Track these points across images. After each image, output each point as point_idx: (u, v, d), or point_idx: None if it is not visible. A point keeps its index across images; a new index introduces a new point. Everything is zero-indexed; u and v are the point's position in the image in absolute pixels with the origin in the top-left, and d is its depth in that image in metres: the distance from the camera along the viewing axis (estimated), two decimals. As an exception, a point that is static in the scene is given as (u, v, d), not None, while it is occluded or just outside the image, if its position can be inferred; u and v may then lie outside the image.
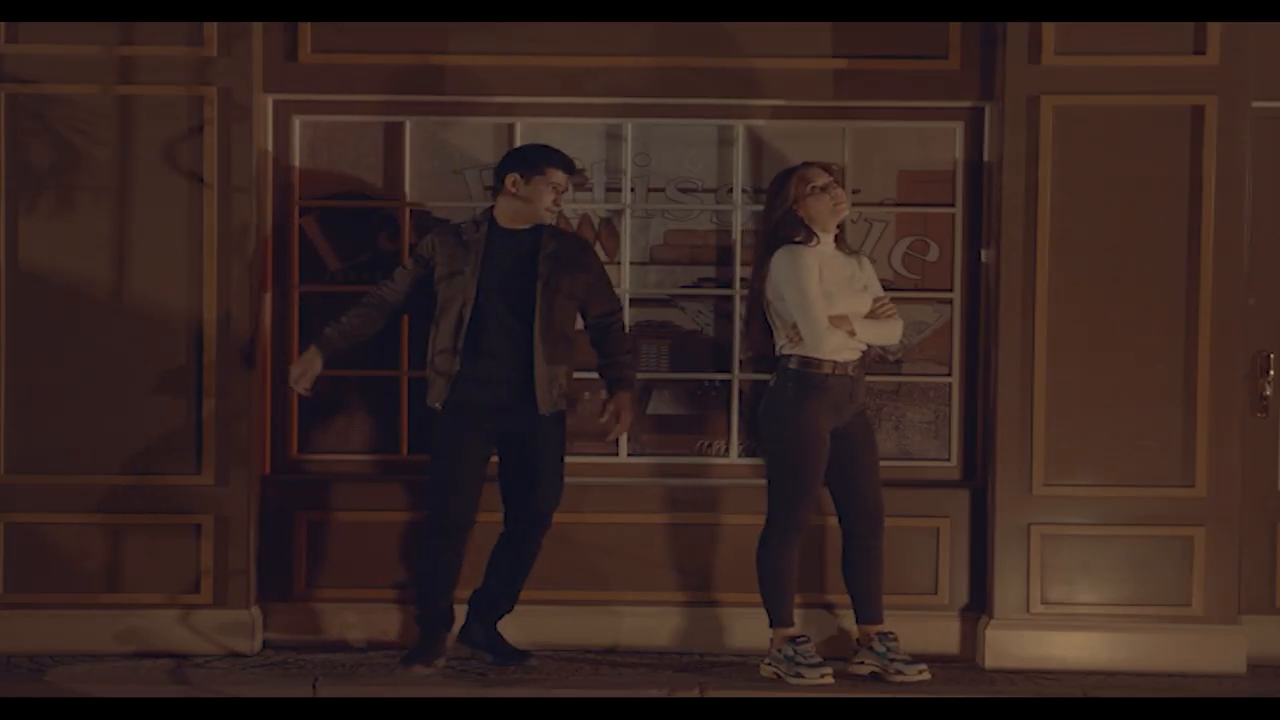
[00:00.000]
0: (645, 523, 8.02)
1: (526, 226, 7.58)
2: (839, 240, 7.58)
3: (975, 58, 7.97)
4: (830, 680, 7.43)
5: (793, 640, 7.48)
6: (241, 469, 7.90)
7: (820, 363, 7.44)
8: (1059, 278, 7.84)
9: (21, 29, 7.84)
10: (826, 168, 7.55)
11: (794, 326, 7.45)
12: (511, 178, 7.53)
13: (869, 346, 7.61)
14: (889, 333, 7.60)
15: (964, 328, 8.10)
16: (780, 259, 7.45)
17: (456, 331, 7.49)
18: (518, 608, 7.89)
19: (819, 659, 7.48)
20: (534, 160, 7.55)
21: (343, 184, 8.15)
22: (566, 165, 7.58)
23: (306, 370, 7.59)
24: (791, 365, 7.46)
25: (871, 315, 7.53)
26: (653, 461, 8.15)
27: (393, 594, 8.05)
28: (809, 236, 7.47)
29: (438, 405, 7.54)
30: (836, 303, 7.44)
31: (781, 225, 7.49)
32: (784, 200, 7.49)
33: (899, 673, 7.53)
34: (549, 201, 7.55)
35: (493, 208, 7.60)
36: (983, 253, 8.03)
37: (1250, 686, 7.67)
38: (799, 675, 7.45)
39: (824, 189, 7.47)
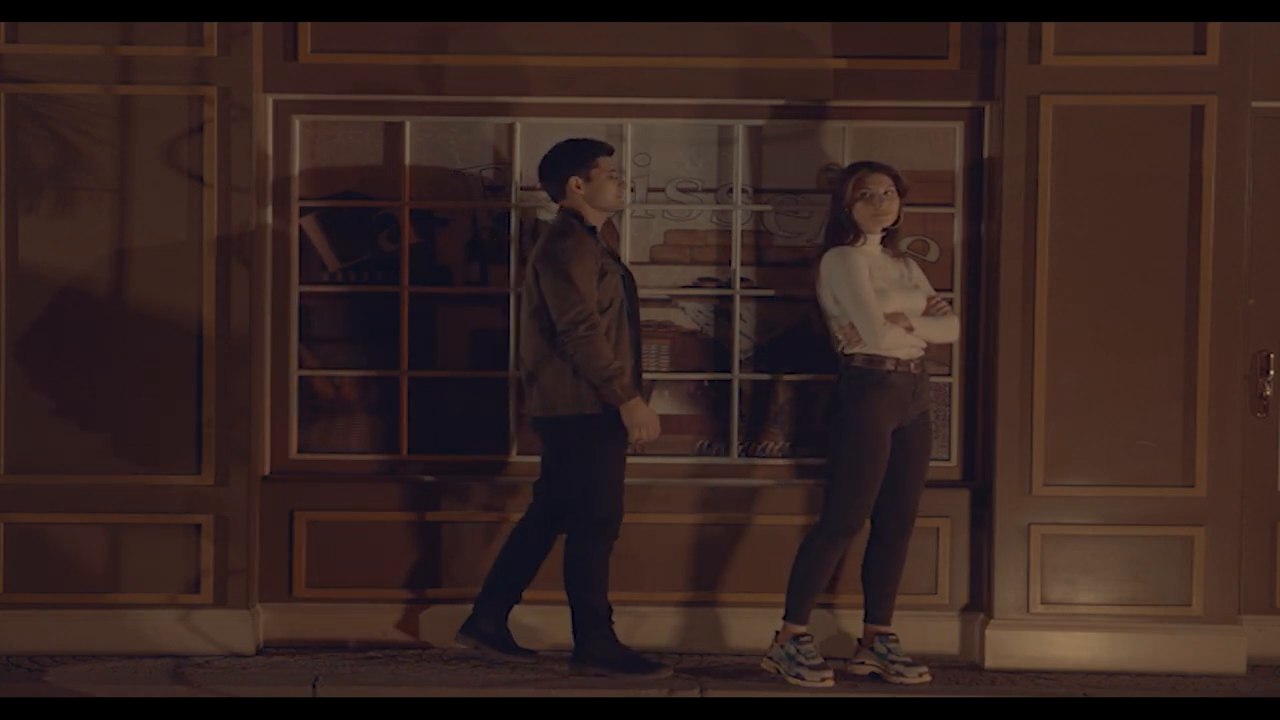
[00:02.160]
0: (645, 523, 8.00)
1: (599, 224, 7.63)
2: (887, 242, 7.58)
3: (975, 58, 7.97)
4: (830, 683, 7.42)
5: (797, 638, 7.48)
6: (241, 469, 7.90)
7: (883, 359, 7.44)
8: (1059, 278, 7.84)
9: (21, 29, 7.84)
10: (894, 175, 7.55)
11: (851, 326, 7.47)
12: (575, 181, 7.50)
13: (927, 344, 7.60)
14: (947, 330, 7.61)
15: (964, 328, 8.09)
16: (829, 262, 7.47)
17: (628, 335, 7.49)
18: (519, 608, 7.91)
19: (820, 660, 7.48)
20: (580, 157, 7.53)
21: (343, 184, 8.15)
22: (607, 149, 7.59)
23: (651, 418, 7.46)
24: (855, 364, 7.47)
25: (927, 313, 7.55)
26: (653, 462, 8.14)
27: (393, 594, 8.05)
28: (856, 237, 7.49)
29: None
30: (890, 301, 7.46)
31: (834, 226, 7.53)
32: (840, 199, 7.51)
33: (899, 674, 7.53)
34: (615, 188, 7.55)
35: (572, 213, 7.52)
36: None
37: (1250, 686, 7.68)
38: (799, 676, 7.44)
39: (870, 198, 7.48)
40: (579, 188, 7.51)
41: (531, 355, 7.51)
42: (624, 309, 7.49)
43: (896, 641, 7.59)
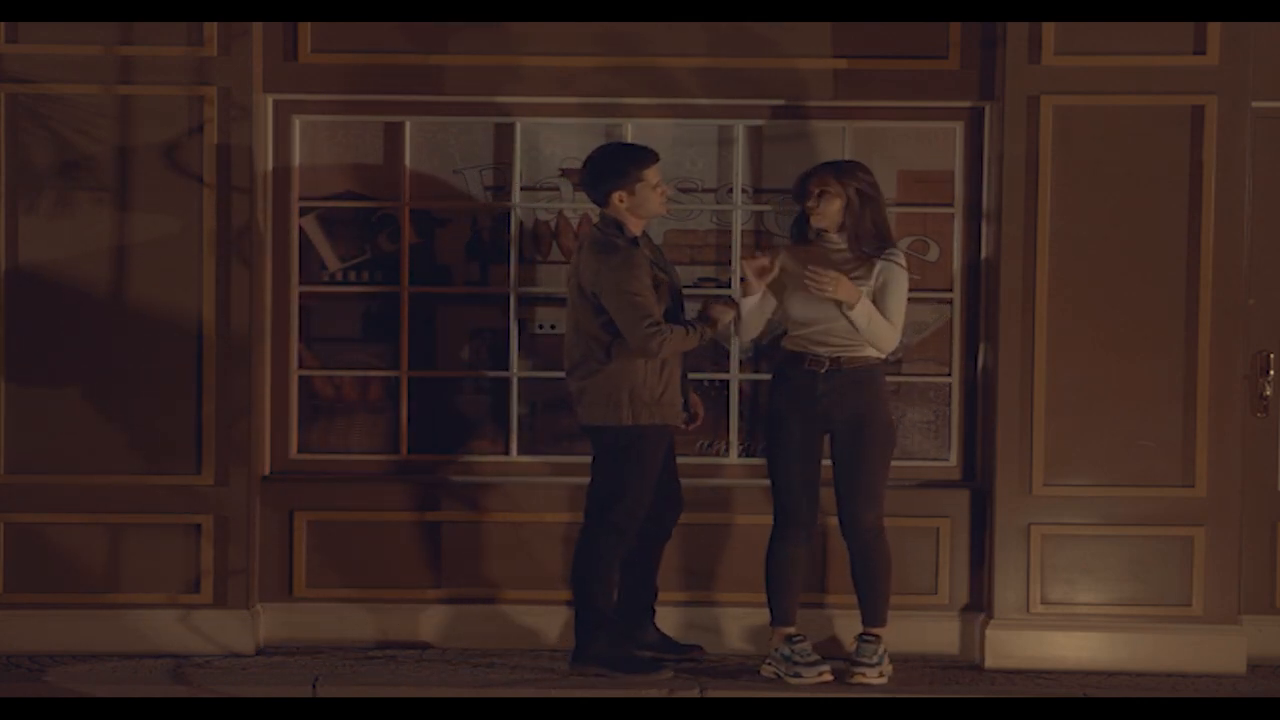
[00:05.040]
0: (645, 523, 8.02)
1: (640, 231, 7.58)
2: None
3: (975, 58, 7.97)
4: (829, 678, 7.43)
5: (789, 639, 7.49)
6: (241, 469, 7.90)
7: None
8: (1059, 278, 7.84)
9: (21, 29, 7.84)
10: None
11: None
12: (618, 195, 7.40)
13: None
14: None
15: (964, 328, 8.10)
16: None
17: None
18: (520, 608, 7.93)
19: (816, 657, 7.49)
20: (625, 170, 7.41)
21: (343, 184, 8.15)
22: (653, 157, 7.46)
23: (721, 309, 7.51)
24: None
25: None
26: (653, 461, 8.14)
27: (393, 594, 8.05)
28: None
29: (659, 422, 7.47)
30: None
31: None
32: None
33: (797, 675, 7.50)
34: (658, 199, 7.47)
35: (613, 223, 7.43)
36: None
37: (1250, 686, 7.68)
38: (797, 675, 7.45)
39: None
40: (622, 201, 7.42)
41: (576, 366, 7.49)
42: (669, 319, 7.45)
43: (872, 641, 7.53)
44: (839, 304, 7.37)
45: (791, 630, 7.52)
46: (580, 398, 7.48)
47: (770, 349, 8.11)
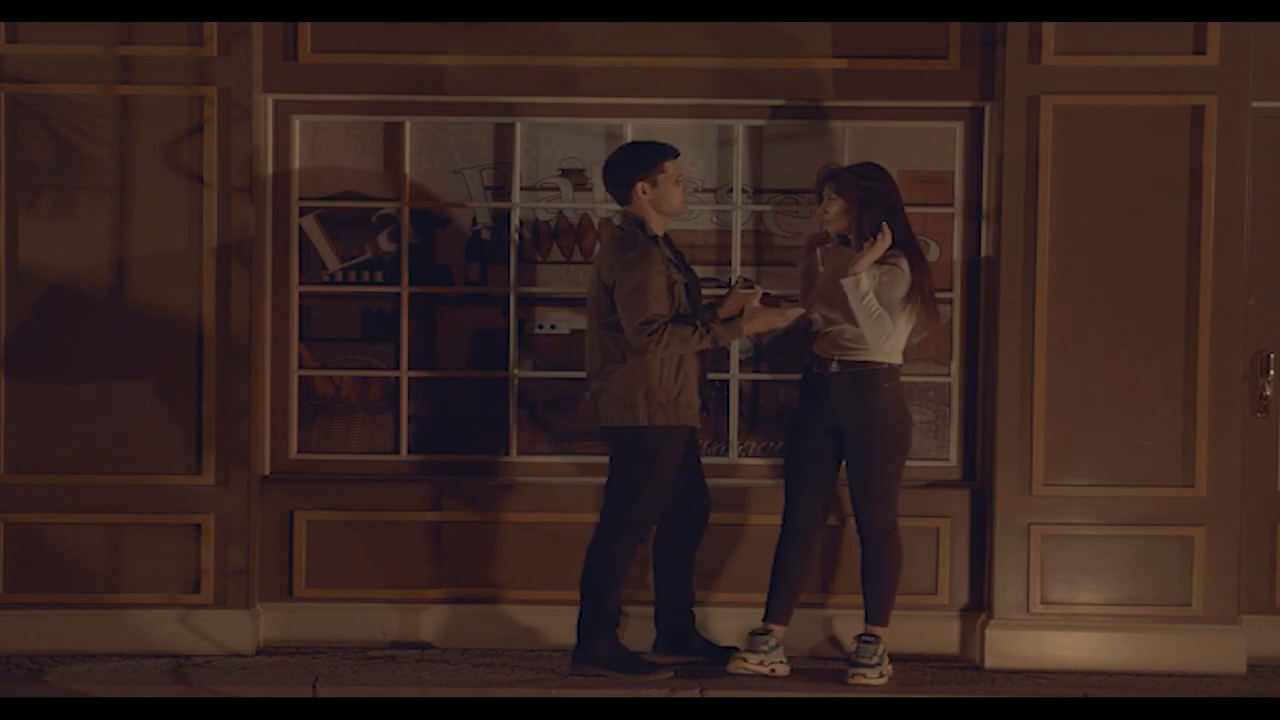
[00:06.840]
0: (645, 523, 8.01)
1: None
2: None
3: (975, 58, 7.97)
4: (748, 667, 7.46)
5: (753, 633, 7.54)
6: (241, 469, 7.90)
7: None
8: (1059, 278, 7.84)
9: (21, 29, 7.84)
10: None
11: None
12: (641, 186, 7.43)
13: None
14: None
15: (964, 328, 8.10)
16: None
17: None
18: (520, 608, 7.94)
19: (769, 647, 7.50)
20: (647, 160, 7.45)
21: (343, 184, 8.15)
22: (673, 152, 7.50)
23: (766, 315, 7.44)
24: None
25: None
26: (653, 461, 8.14)
27: (393, 594, 8.05)
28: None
29: (677, 423, 7.45)
30: None
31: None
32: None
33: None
34: (679, 193, 7.49)
35: (635, 220, 7.45)
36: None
37: (1250, 686, 7.68)
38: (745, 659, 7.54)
39: None
40: (645, 193, 7.44)
41: (594, 366, 7.50)
42: (683, 320, 7.44)
43: (872, 642, 7.54)
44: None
45: (760, 626, 7.52)
46: (598, 399, 7.48)
47: (772, 349, 8.11)
